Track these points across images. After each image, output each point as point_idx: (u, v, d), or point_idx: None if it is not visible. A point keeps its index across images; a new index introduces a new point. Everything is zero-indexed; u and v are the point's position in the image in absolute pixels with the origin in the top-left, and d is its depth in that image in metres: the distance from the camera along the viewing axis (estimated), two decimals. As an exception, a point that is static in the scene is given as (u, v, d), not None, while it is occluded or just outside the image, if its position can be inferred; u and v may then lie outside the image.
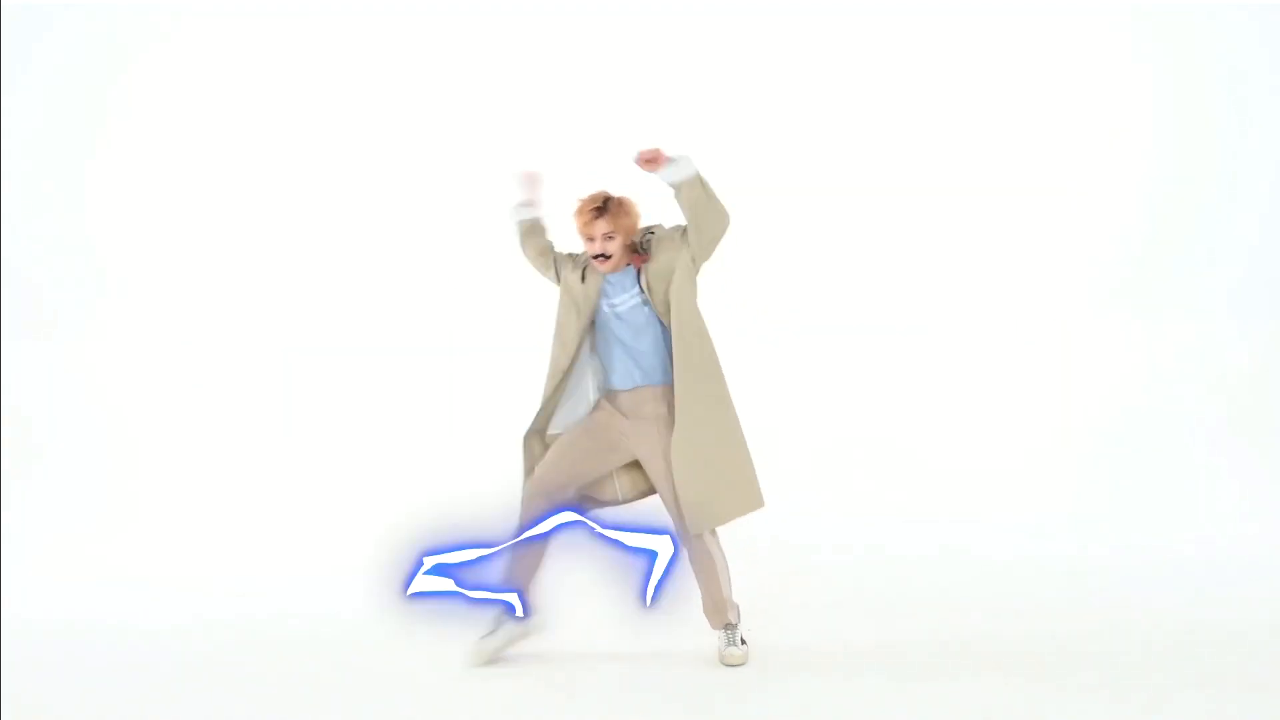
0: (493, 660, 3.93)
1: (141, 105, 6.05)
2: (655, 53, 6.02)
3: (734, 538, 5.17)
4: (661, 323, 3.88)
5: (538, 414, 4.00)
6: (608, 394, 3.99)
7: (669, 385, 3.87)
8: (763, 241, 5.95)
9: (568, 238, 4.02)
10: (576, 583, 4.75)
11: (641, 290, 3.86)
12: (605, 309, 3.91)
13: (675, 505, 3.86)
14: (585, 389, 4.02)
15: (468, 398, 5.89)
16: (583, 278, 3.94)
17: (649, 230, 3.95)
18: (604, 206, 3.82)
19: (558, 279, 4.05)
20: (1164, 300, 5.89)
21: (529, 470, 4.00)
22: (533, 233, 4.19)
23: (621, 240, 3.85)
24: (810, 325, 5.89)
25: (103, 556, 5.28)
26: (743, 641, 3.91)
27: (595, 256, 3.85)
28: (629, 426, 3.92)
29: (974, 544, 5.21)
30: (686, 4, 6.03)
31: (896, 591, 4.75)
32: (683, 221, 3.87)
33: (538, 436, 4.02)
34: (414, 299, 5.99)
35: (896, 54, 5.99)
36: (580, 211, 3.85)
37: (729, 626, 3.93)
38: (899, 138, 5.97)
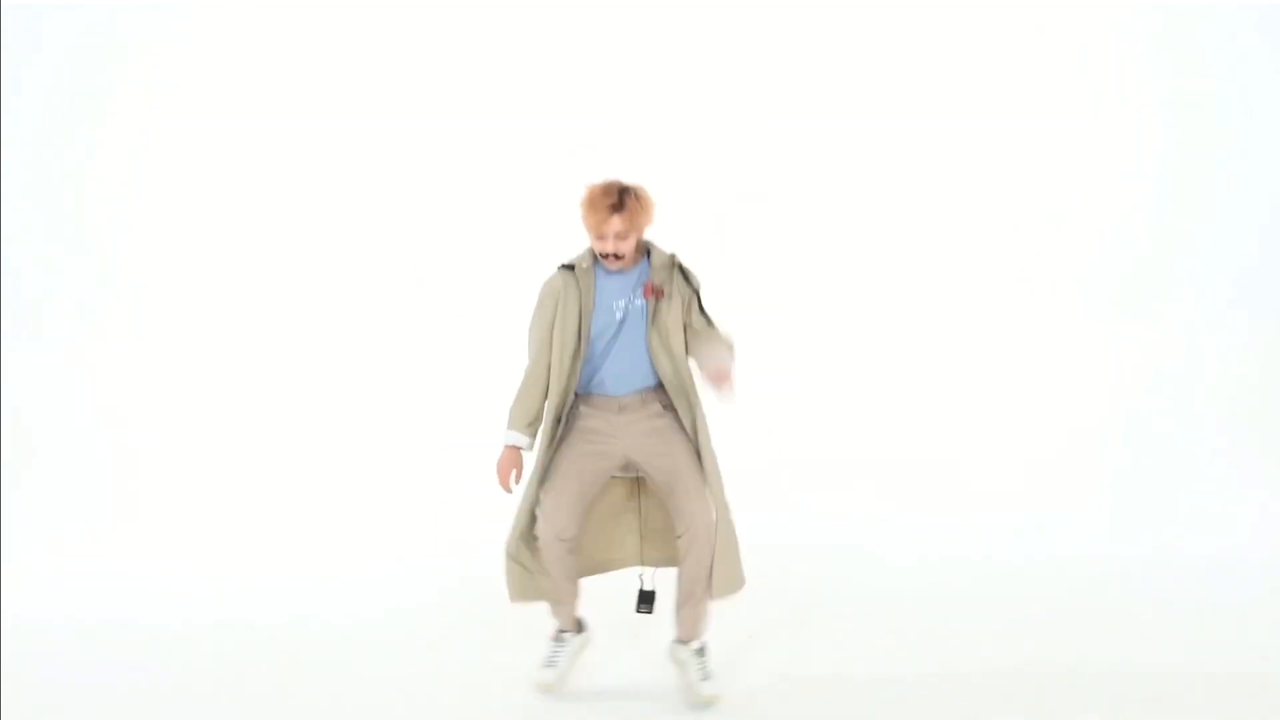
0: (560, 686, 3.71)
1: (142, 106, 6.03)
2: (655, 52, 6.02)
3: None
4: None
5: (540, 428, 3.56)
6: (593, 400, 3.53)
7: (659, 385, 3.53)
8: (762, 242, 5.96)
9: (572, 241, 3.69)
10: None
11: (638, 299, 3.47)
12: (614, 313, 3.46)
13: (690, 503, 3.47)
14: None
15: (469, 398, 5.89)
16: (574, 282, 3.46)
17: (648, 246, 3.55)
18: (620, 202, 3.34)
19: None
20: (1166, 302, 5.89)
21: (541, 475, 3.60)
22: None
23: (636, 238, 3.40)
24: (810, 326, 5.89)
25: (102, 557, 5.27)
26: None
27: (605, 255, 3.42)
28: (623, 431, 3.51)
29: (974, 546, 5.21)
30: (689, 4, 6.04)
31: (896, 593, 4.75)
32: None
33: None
34: (415, 301, 5.98)
35: (898, 52, 5.99)
36: (593, 206, 3.35)
37: (701, 651, 3.63)
38: (900, 137, 5.97)
